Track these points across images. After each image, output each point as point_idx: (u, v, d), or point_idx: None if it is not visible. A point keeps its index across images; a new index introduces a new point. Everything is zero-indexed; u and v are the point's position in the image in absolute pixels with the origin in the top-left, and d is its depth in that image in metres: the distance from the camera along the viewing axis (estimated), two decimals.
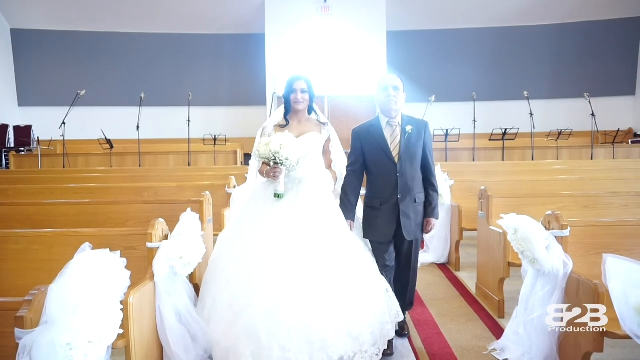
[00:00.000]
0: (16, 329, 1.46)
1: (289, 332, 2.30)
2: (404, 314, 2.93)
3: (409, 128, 2.80)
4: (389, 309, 2.60)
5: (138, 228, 2.55)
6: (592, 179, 4.83)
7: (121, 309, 1.70)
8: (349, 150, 2.93)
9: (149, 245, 2.33)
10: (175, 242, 2.33)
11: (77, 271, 1.57)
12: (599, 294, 2.09)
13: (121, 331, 1.70)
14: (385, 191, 2.80)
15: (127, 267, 1.84)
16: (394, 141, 2.81)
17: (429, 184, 2.88)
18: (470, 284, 4.02)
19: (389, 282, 2.74)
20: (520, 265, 2.70)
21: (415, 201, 2.81)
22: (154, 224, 2.38)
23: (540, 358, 2.36)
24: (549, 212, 2.57)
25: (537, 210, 2.95)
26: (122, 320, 1.71)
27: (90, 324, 1.50)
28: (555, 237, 2.46)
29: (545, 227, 2.54)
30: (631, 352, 2.62)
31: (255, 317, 2.33)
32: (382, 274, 2.72)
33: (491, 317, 3.32)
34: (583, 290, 2.21)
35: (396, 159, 2.78)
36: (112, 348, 1.79)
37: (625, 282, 1.63)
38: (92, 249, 1.78)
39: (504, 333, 2.78)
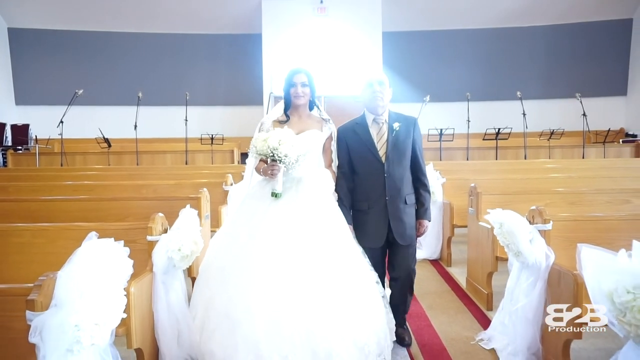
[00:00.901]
0: (27, 312, 1.55)
1: (292, 341, 2.15)
2: (404, 322, 2.88)
3: (396, 125, 2.68)
4: (388, 317, 2.54)
5: (139, 222, 2.62)
6: (581, 177, 4.94)
7: (124, 295, 1.78)
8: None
9: (149, 238, 2.40)
10: (174, 234, 2.39)
11: (83, 258, 1.66)
12: (578, 284, 2.18)
13: (125, 315, 1.78)
14: (372, 193, 2.66)
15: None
16: (380, 139, 2.69)
17: (420, 184, 2.75)
18: (461, 279, 4.12)
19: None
20: (507, 259, 2.78)
21: (405, 202, 2.67)
22: (155, 218, 2.45)
23: (524, 346, 2.45)
24: (533, 207, 2.67)
25: (525, 206, 2.94)
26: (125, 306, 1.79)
27: (96, 308, 1.59)
28: (539, 230, 2.55)
29: (530, 221, 2.64)
30: (612, 341, 2.71)
31: (254, 326, 2.17)
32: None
33: (480, 309, 3.43)
34: (564, 280, 2.31)
35: (383, 158, 2.66)
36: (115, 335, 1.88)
37: (598, 269, 1.72)
38: None
39: (491, 324, 2.88)
